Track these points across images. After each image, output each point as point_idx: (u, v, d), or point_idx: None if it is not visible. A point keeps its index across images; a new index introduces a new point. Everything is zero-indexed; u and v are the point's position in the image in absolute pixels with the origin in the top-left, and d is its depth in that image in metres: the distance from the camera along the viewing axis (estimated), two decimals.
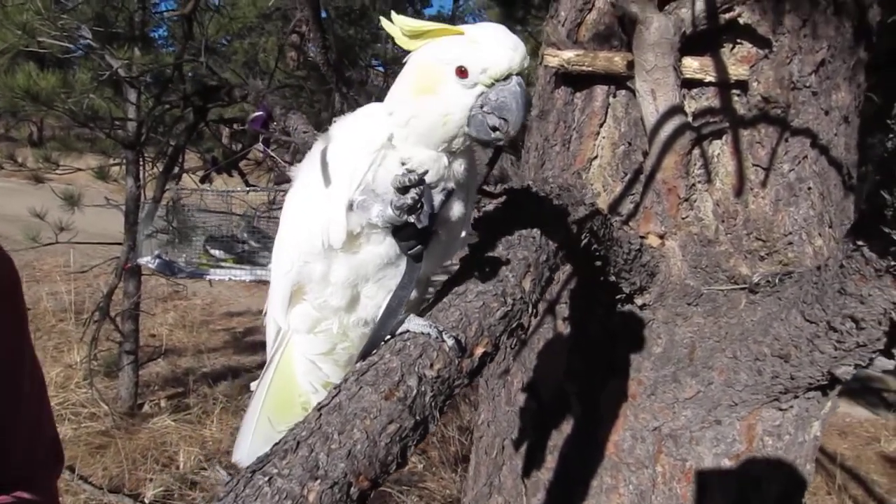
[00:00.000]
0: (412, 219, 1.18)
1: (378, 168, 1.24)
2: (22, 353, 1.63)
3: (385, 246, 1.27)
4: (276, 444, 1.01)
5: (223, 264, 5.12)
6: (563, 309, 2.65)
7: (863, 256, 1.79)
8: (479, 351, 1.25)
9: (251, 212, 5.47)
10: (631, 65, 2.44)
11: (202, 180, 5.91)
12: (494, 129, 1.22)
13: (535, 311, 1.41)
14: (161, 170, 5.95)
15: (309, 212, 1.29)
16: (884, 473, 6.77)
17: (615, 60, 2.50)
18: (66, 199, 6.84)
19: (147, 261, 5.28)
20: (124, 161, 6.60)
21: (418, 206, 1.18)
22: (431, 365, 1.16)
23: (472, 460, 3.05)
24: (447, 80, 1.21)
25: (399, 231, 1.23)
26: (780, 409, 2.36)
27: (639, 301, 2.44)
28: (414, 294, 1.29)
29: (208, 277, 5.13)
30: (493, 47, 1.20)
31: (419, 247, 1.24)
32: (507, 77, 1.21)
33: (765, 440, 2.41)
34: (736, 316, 2.35)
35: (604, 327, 2.55)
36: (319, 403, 1.10)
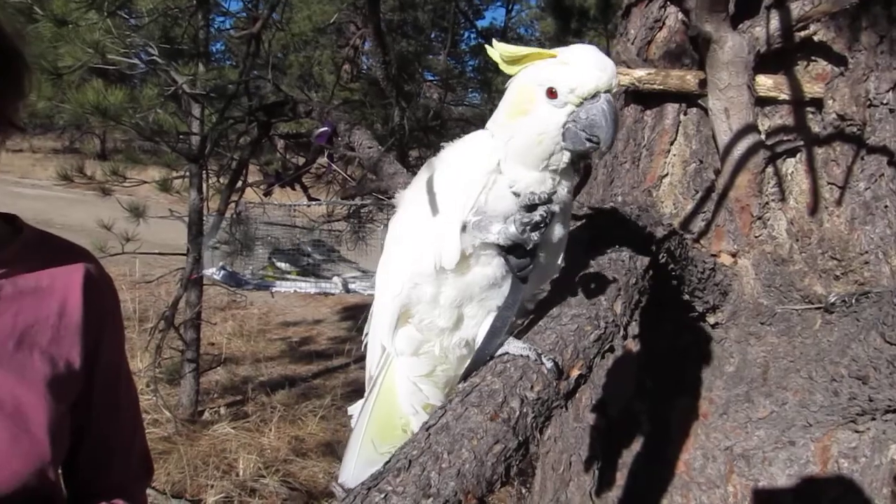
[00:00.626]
0: (535, 236, 1.22)
1: (489, 191, 1.29)
2: (119, 367, 1.70)
3: (493, 267, 1.31)
4: (388, 462, 1.06)
5: (288, 276, 5.21)
6: (632, 327, 2.65)
7: None
8: (575, 373, 1.28)
9: (312, 224, 5.56)
10: (703, 83, 2.44)
11: (266, 194, 6.04)
12: (589, 139, 1.25)
13: (625, 333, 1.44)
14: (225, 183, 6.10)
15: (419, 235, 1.34)
16: None
17: (687, 79, 2.51)
18: (131, 210, 7.04)
19: (212, 272, 5.41)
20: (187, 174, 6.78)
21: (542, 224, 1.22)
22: (532, 387, 1.19)
23: (537, 475, 3.06)
24: (539, 100, 1.26)
25: (509, 252, 1.27)
26: (857, 431, 2.33)
27: (711, 320, 2.44)
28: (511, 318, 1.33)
29: (274, 289, 5.23)
30: (581, 67, 1.24)
31: (530, 266, 1.28)
32: (595, 95, 1.24)
33: (840, 462, 2.37)
34: (811, 336, 2.33)
35: (674, 345, 2.55)
36: (426, 423, 1.14)
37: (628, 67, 2.63)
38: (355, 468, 1.44)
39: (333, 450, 6.27)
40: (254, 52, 5.64)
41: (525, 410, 1.14)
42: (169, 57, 6.44)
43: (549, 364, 1.24)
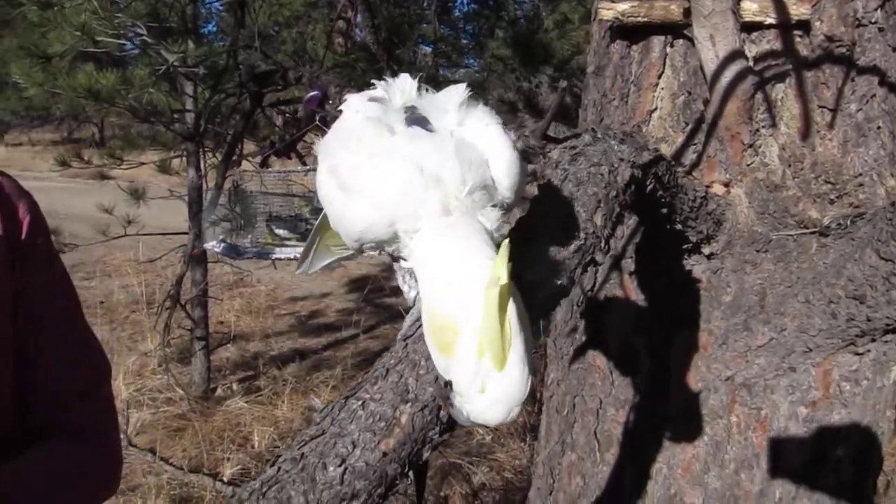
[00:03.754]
0: None
1: None
2: (50, 299, 1.46)
3: None
4: (367, 371, 1.06)
5: (288, 243, 5.21)
6: (628, 264, 2.64)
7: None
8: None
9: (309, 193, 5.55)
10: (688, 12, 2.40)
11: (261, 165, 6.04)
12: None
13: (607, 246, 1.43)
14: (221, 158, 6.09)
15: None
16: None
17: (671, 9, 2.47)
18: (131, 193, 7.07)
19: (213, 245, 5.41)
20: (185, 153, 6.78)
21: None
22: None
23: (542, 420, 3.07)
24: None
25: None
26: (857, 354, 2.32)
27: (706, 250, 2.42)
28: None
29: (274, 256, 5.21)
30: None
31: None
32: None
33: (842, 386, 2.37)
34: (807, 260, 2.31)
35: (670, 279, 2.54)
36: (404, 334, 1.13)
37: (611, 1, 2.59)
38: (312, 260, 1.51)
39: None
40: (240, 20, 5.59)
41: None
42: (159, 36, 6.40)
43: None
